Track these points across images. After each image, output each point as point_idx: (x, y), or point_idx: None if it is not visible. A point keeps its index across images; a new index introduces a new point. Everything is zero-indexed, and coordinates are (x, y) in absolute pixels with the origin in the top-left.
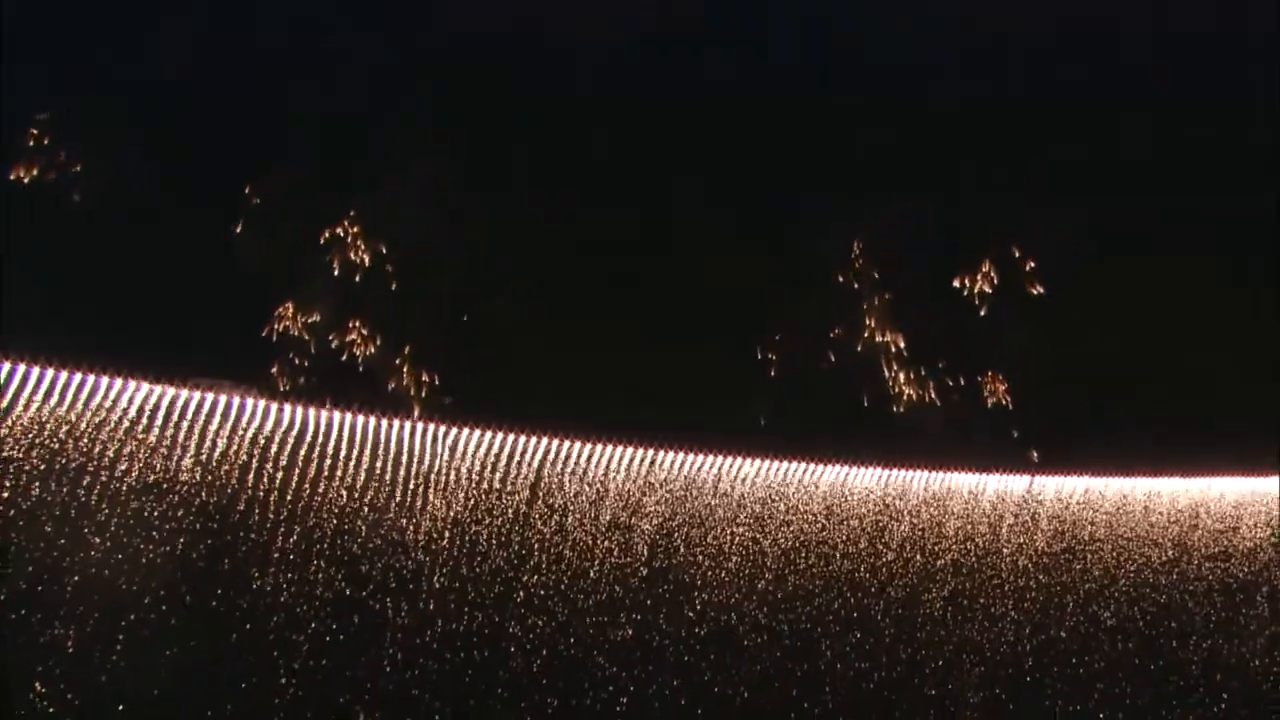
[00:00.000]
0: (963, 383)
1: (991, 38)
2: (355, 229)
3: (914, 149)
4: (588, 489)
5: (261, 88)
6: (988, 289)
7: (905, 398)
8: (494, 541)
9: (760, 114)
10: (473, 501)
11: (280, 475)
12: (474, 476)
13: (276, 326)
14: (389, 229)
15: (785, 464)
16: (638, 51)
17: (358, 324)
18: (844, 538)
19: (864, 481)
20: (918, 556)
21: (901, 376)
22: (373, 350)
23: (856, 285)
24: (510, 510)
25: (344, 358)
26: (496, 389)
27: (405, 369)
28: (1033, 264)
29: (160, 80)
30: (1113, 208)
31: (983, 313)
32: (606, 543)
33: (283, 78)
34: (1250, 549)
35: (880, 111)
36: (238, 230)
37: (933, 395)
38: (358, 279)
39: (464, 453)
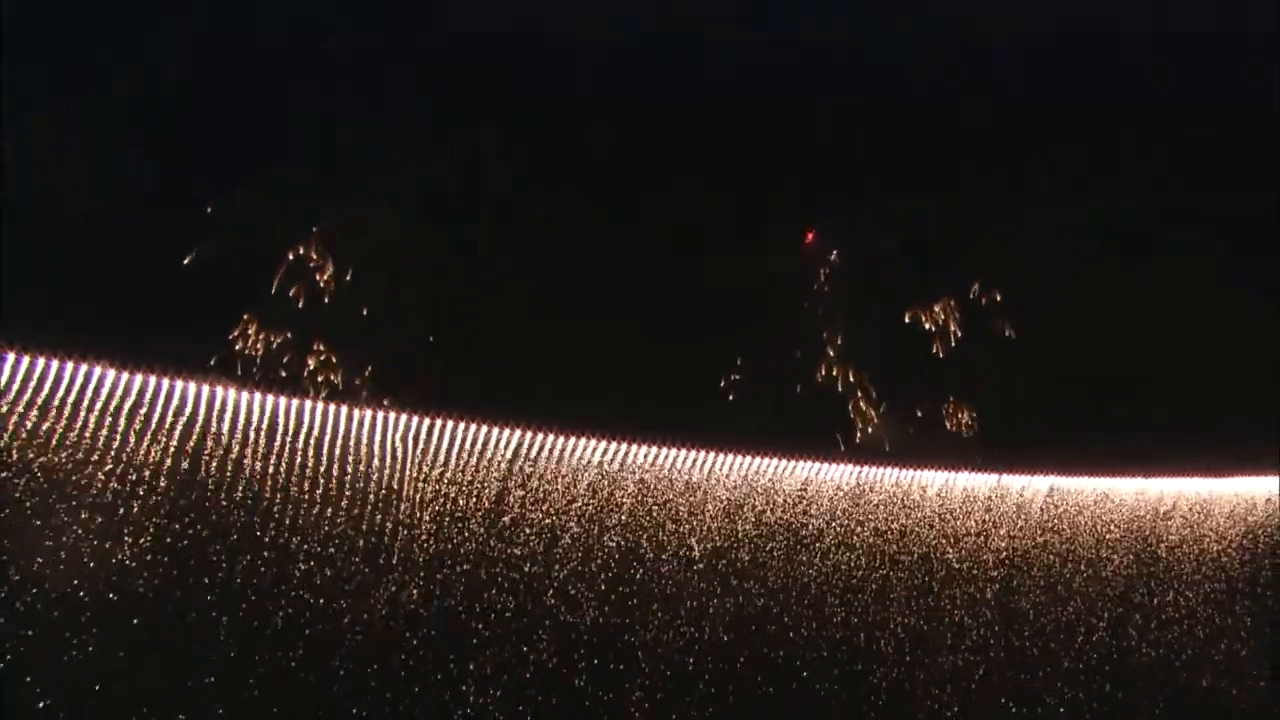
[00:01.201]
0: (927, 411)
1: (990, 37)
2: (321, 246)
3: (909, 150)
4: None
5: (251, 89)
6: (954, 328)
7: (866, 429)
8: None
9: (759, 114)
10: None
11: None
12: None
13: (238, 346)
14: (383, 230)
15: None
16: (638, 51)
17: (322, 347)
18: (789, 609)
19: (818, 511)
20: (861, 634)
21: (863, 406)
22: (337, 378)
23: (820, 312)
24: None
25: (305, 384)
26: (489, 395)
27: (365, 394)
28: (999, 297)
29: (150, 80)
30: (1111, 207)
31: (936, 350)
32: (549, 628)
33: (275, 78)
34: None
35: (878, 112)
36: (195, 252)
37: (889, 423)
38: (326, 300)
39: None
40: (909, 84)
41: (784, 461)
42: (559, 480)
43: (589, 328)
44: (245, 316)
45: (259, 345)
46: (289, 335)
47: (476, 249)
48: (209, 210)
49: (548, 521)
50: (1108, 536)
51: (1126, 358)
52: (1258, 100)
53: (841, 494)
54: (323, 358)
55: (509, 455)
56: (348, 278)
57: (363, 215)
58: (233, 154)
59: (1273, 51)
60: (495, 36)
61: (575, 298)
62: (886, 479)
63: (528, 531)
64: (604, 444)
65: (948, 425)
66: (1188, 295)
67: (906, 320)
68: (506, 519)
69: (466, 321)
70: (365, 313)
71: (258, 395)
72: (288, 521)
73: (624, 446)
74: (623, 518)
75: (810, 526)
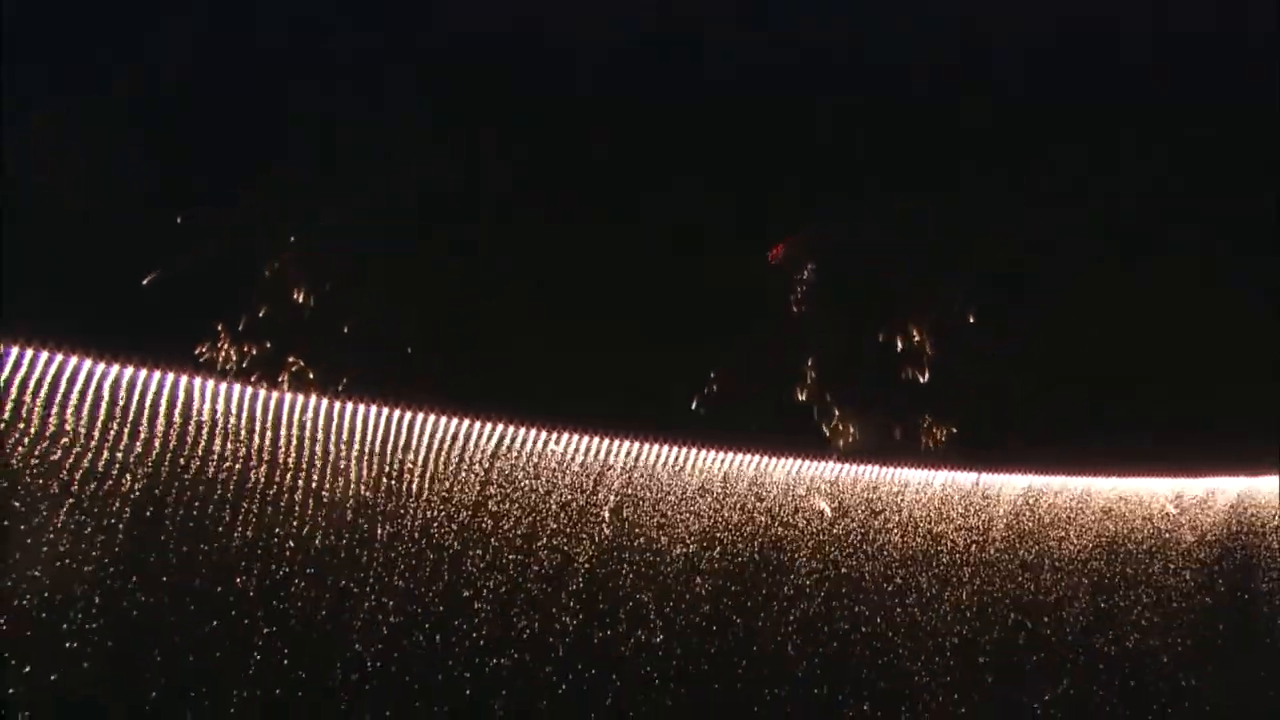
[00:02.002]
0: (906, 430)
1: (990, 37)
2: (300, 258)
3: (909, 150)
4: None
5: (251, 89)
6: (928, 348)
7: (843, 444)
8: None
9: (759, 114)
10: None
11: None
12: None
13: (213, 354)
14: (382, 230)
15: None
16: (638, 51)
17: (301, 361)
18: (753, 661)
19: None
20: (824, 686)
21: (838, 425)
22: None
23: (796, 328)
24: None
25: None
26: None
27: (345, 398)
28: (972, 319)
29: (150, 80)
30: (1111, 207)
31: (910, 372)
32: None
33: (275, 78)
34: None
35: (878, 112)
36: (157, 271)
37: (867, 436)
38: (305, 315)
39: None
40: (909, 84)
41: (766, 459)
42: (520, 528)
43: (588, 328)
44: (219, 327)
45: (231, 356)
46: (268, 345)
47: (476, 249)
48: (179, 221)
49: (514, 565)
50: (1070, 578)
51: (1126, 358)
52: (1258, 100)
53: (804, 538)
54: (295, 369)
55: (479, 487)
56: (327, 288)
57: (360, 216)
58: (232, 154)
59: (1273, 51)
60: (495, 36)
61: (575, 298)
62: (859, 507)
63: (497, 575)
64: (589, 440)
65: (924, 441)
66: (1188, 295)
67: (881, 340)
68: (470, 563)
69: (466, 321)
70: (358, 316)
71: (235, 389)
72: (253, 584)
73: (606, 443)
74: (588, 568)
75: (772, 576)
